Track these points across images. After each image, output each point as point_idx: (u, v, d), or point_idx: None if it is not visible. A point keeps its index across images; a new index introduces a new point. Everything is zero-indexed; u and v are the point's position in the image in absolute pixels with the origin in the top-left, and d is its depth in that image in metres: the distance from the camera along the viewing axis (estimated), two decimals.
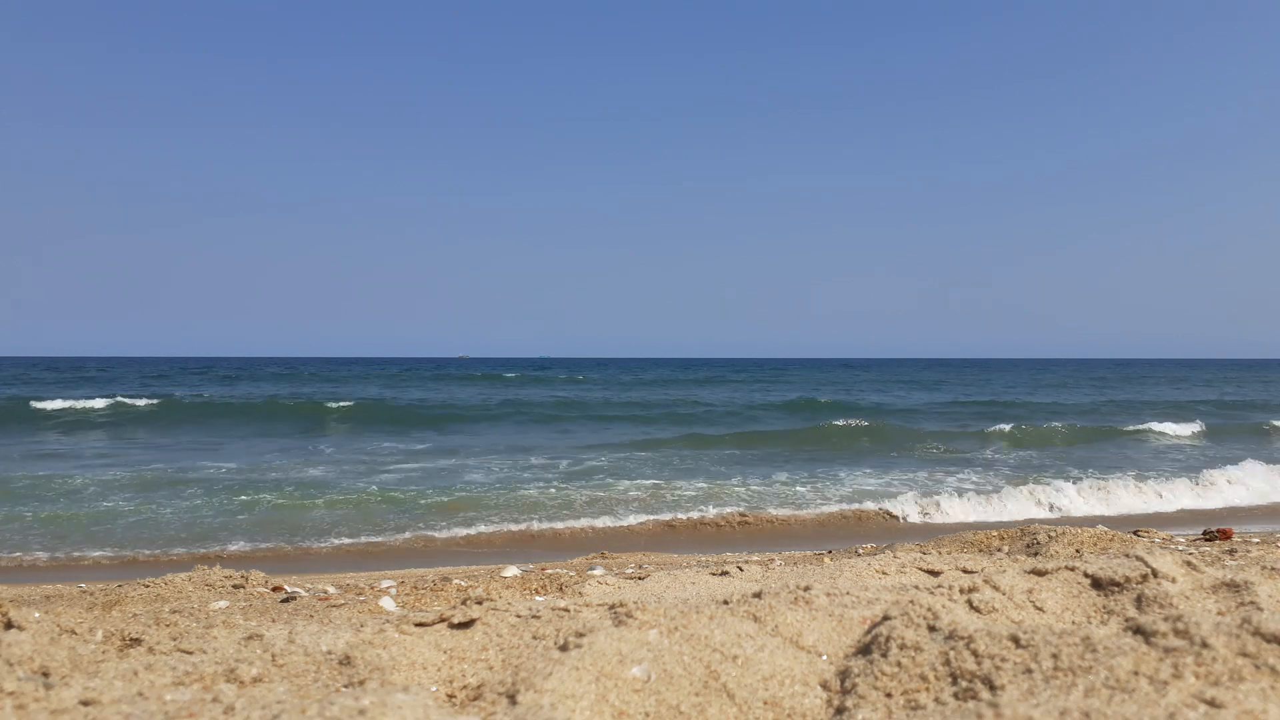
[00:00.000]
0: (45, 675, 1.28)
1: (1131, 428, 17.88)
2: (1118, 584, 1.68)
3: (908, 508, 8.48)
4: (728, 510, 8.35)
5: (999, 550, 3.32)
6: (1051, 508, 8.90)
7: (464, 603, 2.18)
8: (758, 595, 1.71)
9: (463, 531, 7.47)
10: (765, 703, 1.25)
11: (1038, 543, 3.29)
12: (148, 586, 3.08)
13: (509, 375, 45.59)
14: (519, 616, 1.60)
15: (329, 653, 1.38)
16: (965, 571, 2.37)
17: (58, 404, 21.00)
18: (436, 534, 7.40)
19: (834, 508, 8.59)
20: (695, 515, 8.13)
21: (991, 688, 1.14)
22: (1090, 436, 16.64)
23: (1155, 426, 17.69)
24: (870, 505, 8.58)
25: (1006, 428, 16.64)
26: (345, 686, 1.27)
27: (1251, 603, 1.52)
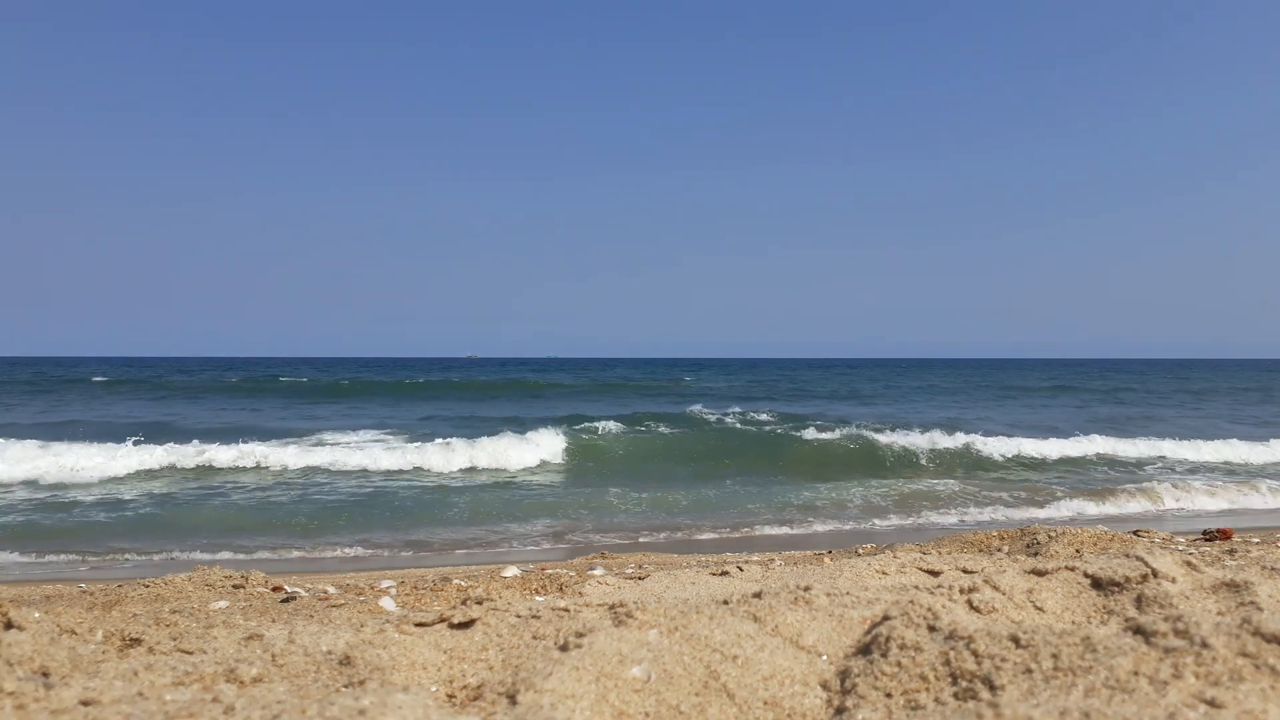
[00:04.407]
0: (45, 675, 1.28)
1: None
2: (1118, 584, 1.68)
3: None
4: None
5: (999, 550, 3.32)
6: None
7: (464, 603, 2.17)
8: (758, 595, 1.71)
9: None
10: (765, 703, 1.25)
11: (1038, 543, 3.29)
12: (148, 586, 3.08)
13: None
14: (519, 616, 1.60)
15: (329, 653, 1.38)
16: (965, 571, 2.36)
17: None
18: None
19: None
20: None
21: (991, 688, 1.14)
22: None
23: None
24: None
25: None
26: (345, 686, 1.27)
27: (1251, 603, 1.52)
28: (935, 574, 2.34)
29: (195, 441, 12.25)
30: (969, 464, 12.60)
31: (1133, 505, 9.27)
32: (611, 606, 1.64)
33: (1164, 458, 13.37)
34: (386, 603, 2.59)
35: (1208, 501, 9.43)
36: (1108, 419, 20.83)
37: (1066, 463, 12.94)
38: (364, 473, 11.06)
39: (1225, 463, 13.03)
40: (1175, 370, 68.18)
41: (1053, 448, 13.49)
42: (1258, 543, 3.81)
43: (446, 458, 11.62)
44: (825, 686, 1.29)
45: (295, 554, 6.72)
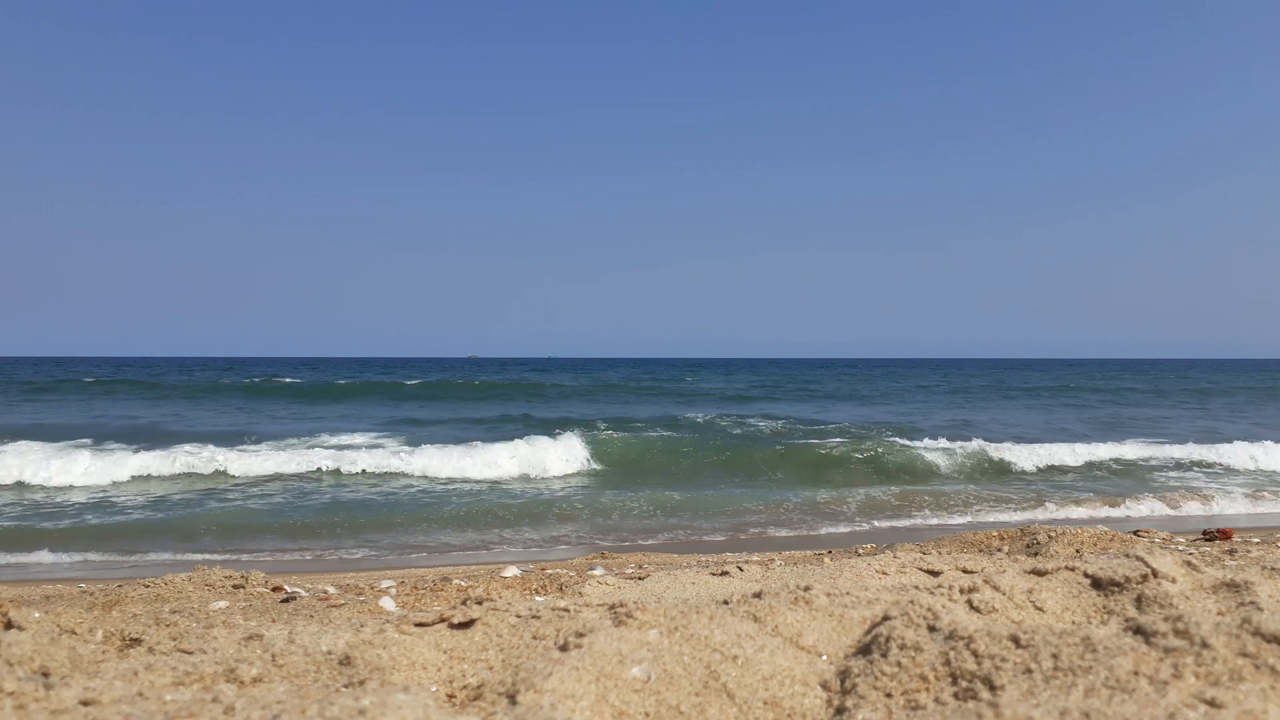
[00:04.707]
0: (45, 675, 1.28)
1: None
2: (1118, 584, 1.68)
3: None
4: None
5: (999, 550, 3.32)
6: None
7: (464, 603, 2.17)
8: (758, 595, 1.71)
9: None
10: (765, 703, 1.25)
11: (1038, 543, 3.29)
12: (148, 586, 3.08)
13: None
14: (519, 616, 1.60)
15: (329, 653, 1.38)
16: (965, 571, 2.36)
17: None
18: None
19: None
20: None
21: (991, 688, 1.14)
22: None
23: None
24: None
25: None
26: (345, 686, 1.27)
27: (1251, 603, 1.52)
28: (935, 574, 2.33)
29: (194, 442, 12.25)
30: (970, 464, 12.61)
31: (1138, 507, 9.28)
32: (611, 606, 1.64)
33: (1169, 458, 13.36)
34: (386, 603, 2.59)
35: (1213, 503, 9.45)
36: (1110, 420, 20.82)
37: (1069, 464, 12.94)
38: (363, 474, 11.06)
39: (1229, 464, 13.03)
40: (1177, 370, 68.25)
41: (1056, 449, 13.48)
42: (1258, 543, 3.81)
43: (446, 458, 11.62)
44: (825, 686, 1.29)
45: (295, 554, 6.72)
